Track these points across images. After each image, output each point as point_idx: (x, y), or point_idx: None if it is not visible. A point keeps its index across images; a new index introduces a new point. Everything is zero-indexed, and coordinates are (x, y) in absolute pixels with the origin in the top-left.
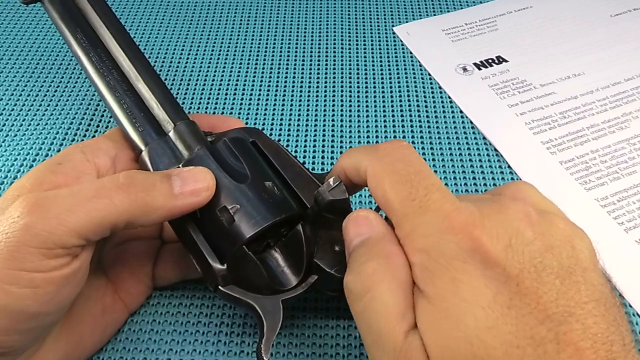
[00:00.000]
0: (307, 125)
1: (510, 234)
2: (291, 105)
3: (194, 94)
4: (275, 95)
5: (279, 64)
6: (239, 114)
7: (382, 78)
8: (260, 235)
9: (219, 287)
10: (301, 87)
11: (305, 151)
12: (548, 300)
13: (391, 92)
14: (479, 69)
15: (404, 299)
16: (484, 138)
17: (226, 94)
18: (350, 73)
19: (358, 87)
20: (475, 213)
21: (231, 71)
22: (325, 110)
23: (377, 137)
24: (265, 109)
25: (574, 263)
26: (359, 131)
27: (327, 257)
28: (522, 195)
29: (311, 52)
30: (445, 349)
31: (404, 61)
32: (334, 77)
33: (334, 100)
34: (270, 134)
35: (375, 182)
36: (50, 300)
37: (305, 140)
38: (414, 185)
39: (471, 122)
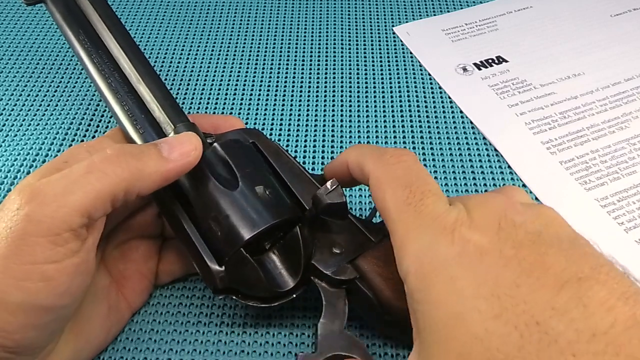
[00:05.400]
0: (307, 125)
1: (498, 219)
2: (291, 105)
3: (194, 94)
4: (275, 95)
5: (279, 64)
6: (239, 114)
7: (382, 78)
8: (257, 238)
9: (217, 289)
10: (301, 87)
11: (305, 151)
12: (559, 269)
13: (391, 92)
14: (479, 69)
15: None
16: (484, 138)
17: (226, 94)
18: (350, 73)
19: (358, 87)
20: (462, 211)
21: (231, 71)
22: (325, 110)
23: (377, 137)
24: (265, 109)
25: (573, 237)
26: (359, 131)
27: (324, 259)
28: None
29: (311, 52)
30: (455, 356)
31: (404, 61)
32: (334, 77)
33: (334, 100)
34: (270, 134)
35: (377, 187)
36: (64, 291)
37: (305, 141)
38: (412, 190)
39: (471, 122)
